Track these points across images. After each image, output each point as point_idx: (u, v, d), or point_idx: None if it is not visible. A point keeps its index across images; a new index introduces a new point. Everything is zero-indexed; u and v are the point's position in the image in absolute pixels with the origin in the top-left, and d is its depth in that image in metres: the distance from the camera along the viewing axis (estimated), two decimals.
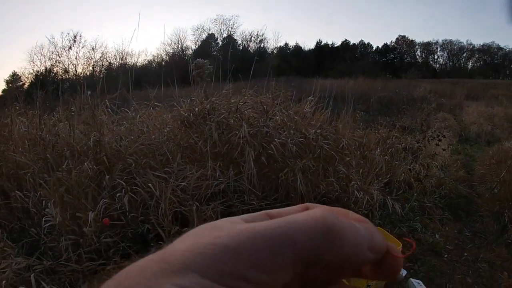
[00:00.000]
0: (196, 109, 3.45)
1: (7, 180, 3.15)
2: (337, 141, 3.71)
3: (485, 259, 3.43)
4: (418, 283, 2.91)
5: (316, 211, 0.26)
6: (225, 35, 45.76)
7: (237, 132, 3.21)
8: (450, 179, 5.36)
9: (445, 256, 3.51)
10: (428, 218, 4.19)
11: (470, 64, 47.85)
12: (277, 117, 3.59)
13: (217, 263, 0.23)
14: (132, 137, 3.33)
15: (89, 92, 3.45)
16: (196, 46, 43.97)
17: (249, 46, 45.76)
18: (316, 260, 0.25)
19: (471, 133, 9.95)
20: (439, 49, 48.06)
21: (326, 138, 3.58)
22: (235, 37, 45.11)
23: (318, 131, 3.53)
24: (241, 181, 3.14)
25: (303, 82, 11.24)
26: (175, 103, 3.74)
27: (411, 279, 2.96)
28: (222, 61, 4.23)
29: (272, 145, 3.18)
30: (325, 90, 4.51)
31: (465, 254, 3.55)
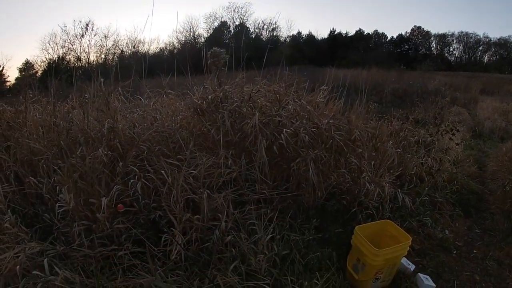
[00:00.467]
0: (209, 97, 3.44)
1: (21, 166, 3.18)
2: (349, 132, 3.67)
3: (494, 257, 3.41)
4: (426, 278, 2.92)
5: None
6: (237, 22, 45.55)
7: (249, 121, 3.20)
8: (462, 175, 5.31)
9: (454, 252, 3.50)
10: (439, 213, 4.18)
11: (486, 58, 47.02)
12: (290, 106, 3.57)
13: None
14: (145, 124, 3.33)
15: (102, 80, 3.45)
16: (208, 34, 43.90)
17: (261, 34, 45.55)
18: None
19: (485, 129, 9.81)
20: (454, 41, 47.32)
21: (339, 128, 3.54)
22: (247, 25, 44.86)
23: (331, 121, 3.50)
24: (253, 170, 3.14)
25: (316, 71, 11.17)
26: (188, 91, 3.74)
27: (419, 274, 2.97)
28: (235, 49, 4.20)
29: (284, 134, 3.16)
30: (338, 80, 4.46)
31: (474, 251, 3.54)
